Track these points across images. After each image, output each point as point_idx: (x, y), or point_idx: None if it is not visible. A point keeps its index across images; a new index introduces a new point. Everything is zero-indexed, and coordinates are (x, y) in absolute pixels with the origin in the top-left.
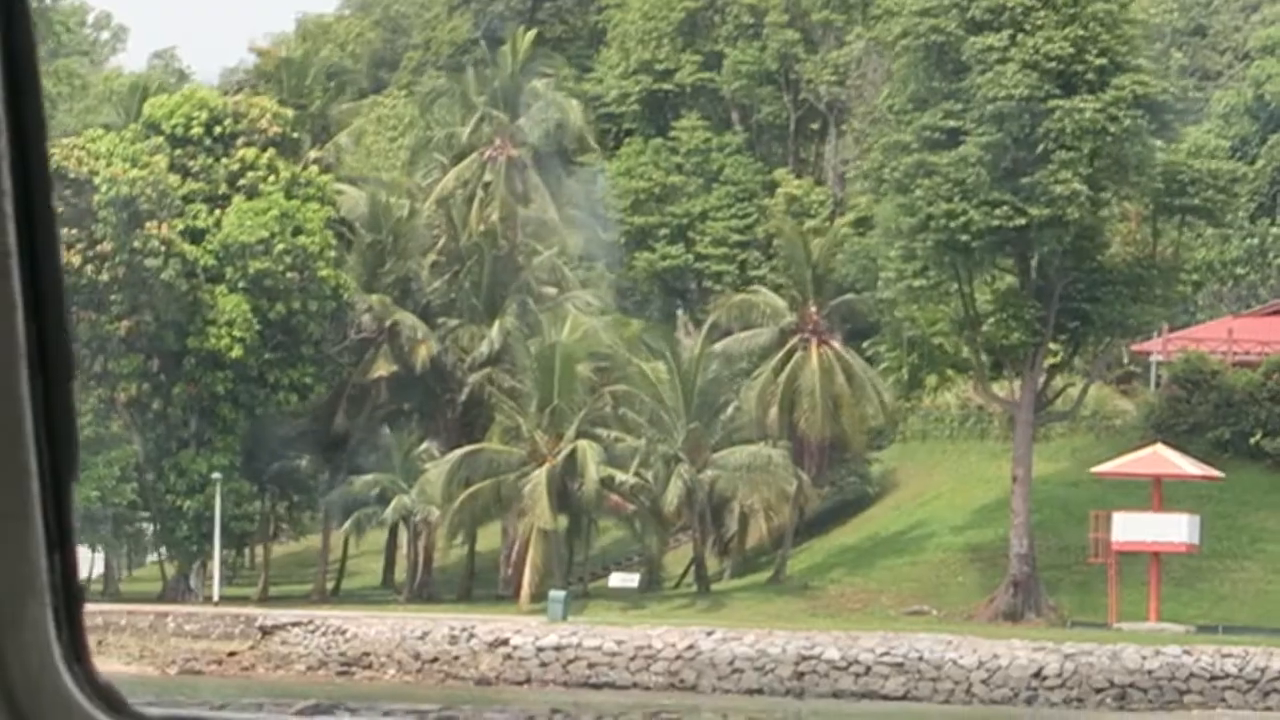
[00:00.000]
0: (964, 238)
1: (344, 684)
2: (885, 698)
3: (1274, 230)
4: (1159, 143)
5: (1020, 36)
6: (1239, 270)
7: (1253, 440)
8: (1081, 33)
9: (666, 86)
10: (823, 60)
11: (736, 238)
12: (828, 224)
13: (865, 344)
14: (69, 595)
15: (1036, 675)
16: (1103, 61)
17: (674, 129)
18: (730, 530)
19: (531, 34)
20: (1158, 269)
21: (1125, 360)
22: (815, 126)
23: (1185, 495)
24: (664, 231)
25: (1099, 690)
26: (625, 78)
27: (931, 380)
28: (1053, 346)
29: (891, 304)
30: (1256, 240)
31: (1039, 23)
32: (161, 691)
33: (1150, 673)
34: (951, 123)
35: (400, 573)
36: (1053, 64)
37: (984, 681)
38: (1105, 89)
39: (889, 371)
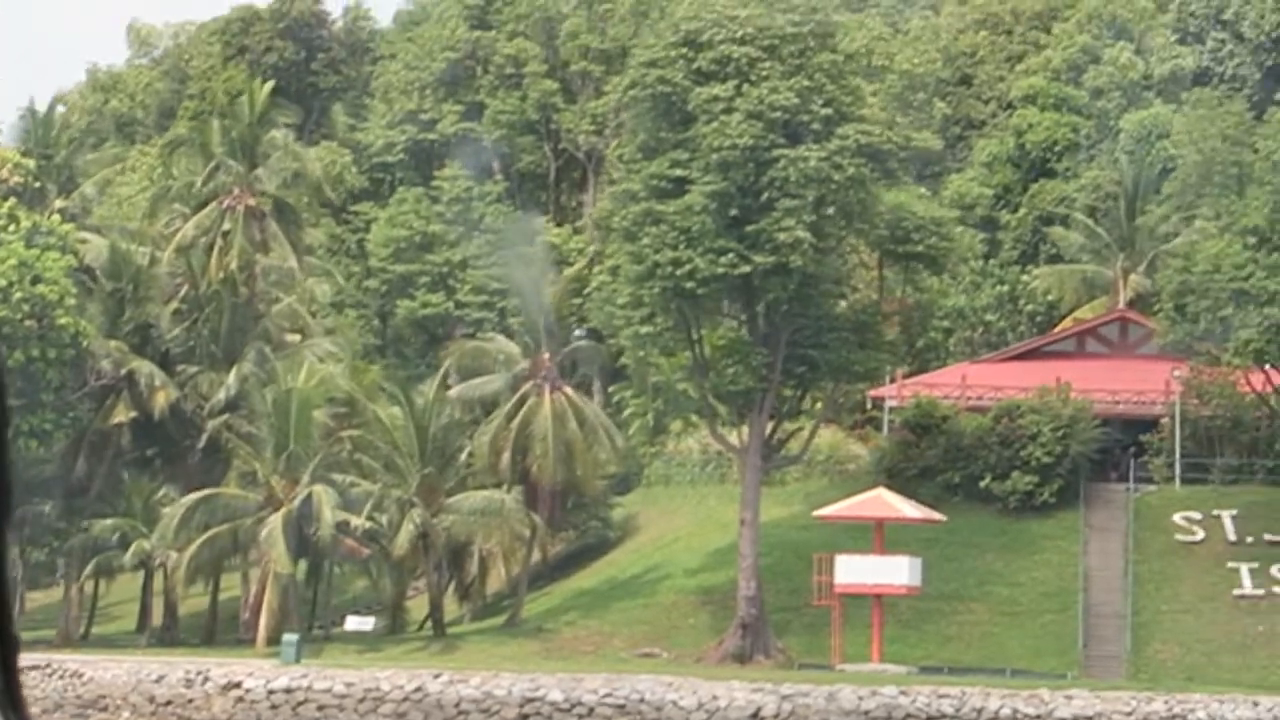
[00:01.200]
0: (690, 284)
1: None
2: None
3: (1024, 278)
4: (923, 190)
5: (746, 87)
6: (989, 317)
7: (982, 484)
8: (807, 83)
9: (431, 136)
10: (581, 110)
11: (496, 285)
12: (586, 272)
13: (612, 389)
14: (4, 643)
15: (754, 716)
16: (828, 111)
17: (437, 178)
18: (470, 574)
19: (269, 85)
20: (884, 315)
21: (869, 406)
22: (576, 175)
23: (915, 538)
24: (425, 279)
25: None
26: (391, 127)
27: (676, 425)
28: (792, 392)
29: (629, 350)
30: (1007, 287)
31: (764, 73)
32: None
33: (866, 713)
34: (678, 171)
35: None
36: (778, 114)
37: None
38: (830, 138)
39: (635, 416)
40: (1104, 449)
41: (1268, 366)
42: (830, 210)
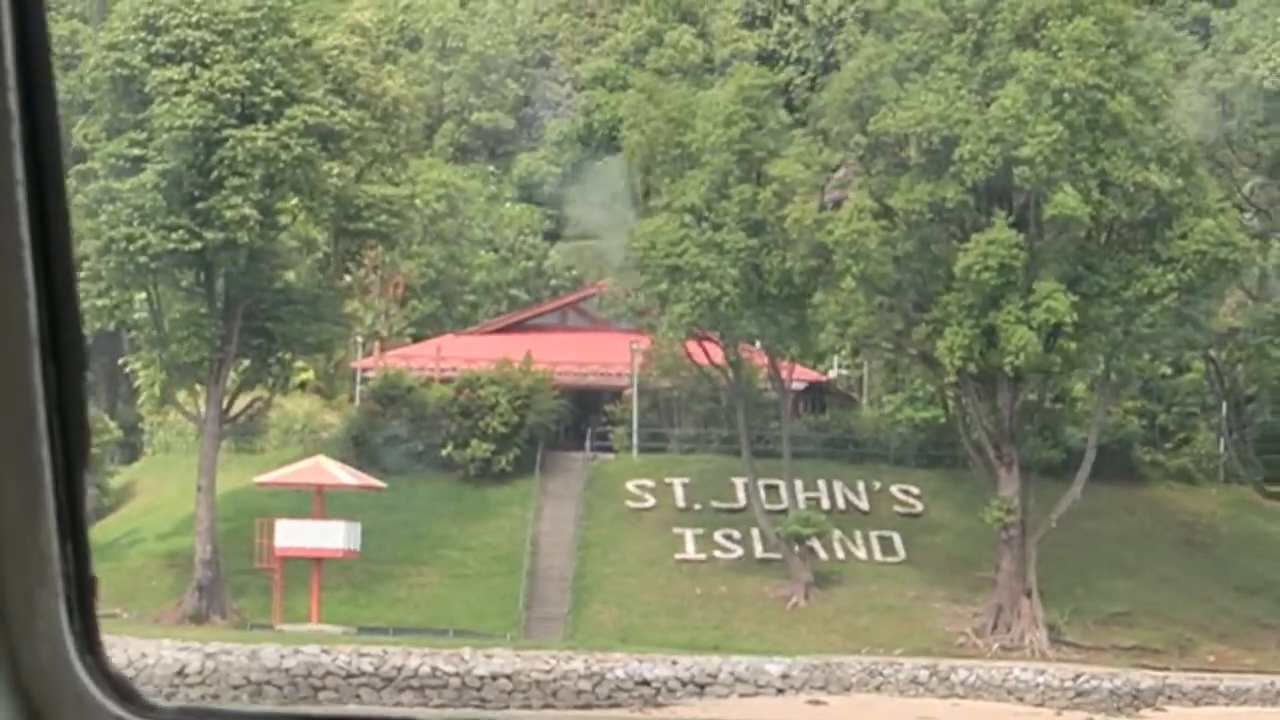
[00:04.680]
0: (143, 259)
1: None
2: None
3: (552, 253)
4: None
5: (199, 70)
6: (513, 291)
7: (444, 452)
8: (259, 66)
9: None
10: None
11: None
12: None
13: (122, 360)
14: (81, 585)
15: (180, 673)
16: (278, 93)
17: None
18: None
19: None
20: (335, 290)
21: (360, 377)
22: None
23: (376, 504)
24: None
25: (236, 686)
26: None
27: (182, 395)
28: (251, 363)
29: (87, 322)
30: (533, 263)
31: (218, 57)
32: None
33: (287, 670)
34: (135, 151)
35: None
36: (228, 95)
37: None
38: (279, 119)
39: (144, 388)
40: (572, 419)
41: (701, 339)
42: (278, 188)
